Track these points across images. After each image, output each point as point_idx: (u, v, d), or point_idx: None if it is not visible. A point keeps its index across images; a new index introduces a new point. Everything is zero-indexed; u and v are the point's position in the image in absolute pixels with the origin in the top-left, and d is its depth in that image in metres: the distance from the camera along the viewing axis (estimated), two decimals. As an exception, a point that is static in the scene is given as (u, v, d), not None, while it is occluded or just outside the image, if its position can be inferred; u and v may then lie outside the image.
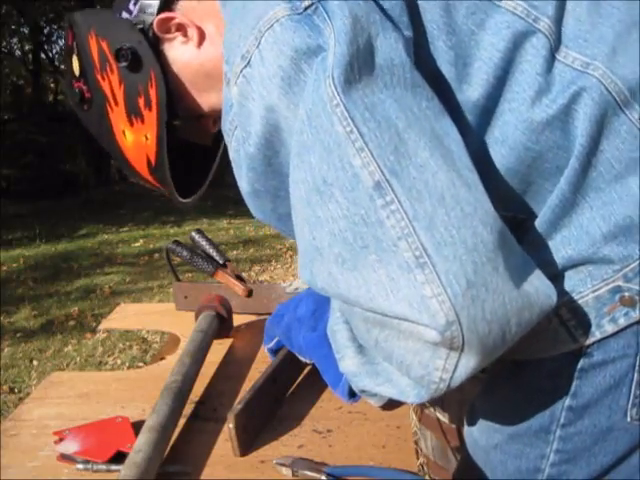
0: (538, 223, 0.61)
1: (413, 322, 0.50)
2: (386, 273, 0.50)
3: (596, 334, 0.60)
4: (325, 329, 0.76)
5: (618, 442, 0.63)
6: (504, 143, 0.59)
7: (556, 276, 0.61)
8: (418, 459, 1.74)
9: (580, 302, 0.61)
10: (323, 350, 0.78)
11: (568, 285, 0.61)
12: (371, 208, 0.50)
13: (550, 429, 0.65)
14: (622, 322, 0.60)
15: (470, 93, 0.59)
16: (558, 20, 0.60)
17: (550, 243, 0.61)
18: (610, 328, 0.60)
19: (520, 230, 0.60)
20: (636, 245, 0.58)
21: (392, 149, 0.50)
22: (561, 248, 0.60)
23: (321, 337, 0.80)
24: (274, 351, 0.94)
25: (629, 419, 0.62)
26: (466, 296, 0.49)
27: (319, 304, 0.84)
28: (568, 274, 0.61)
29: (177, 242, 1.20)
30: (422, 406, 1.72)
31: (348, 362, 0.64)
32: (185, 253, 1.17)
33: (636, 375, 0.60)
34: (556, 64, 0.60)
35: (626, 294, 0.59)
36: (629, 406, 0.61)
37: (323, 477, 0.71)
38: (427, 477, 1.73)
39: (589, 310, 0.60)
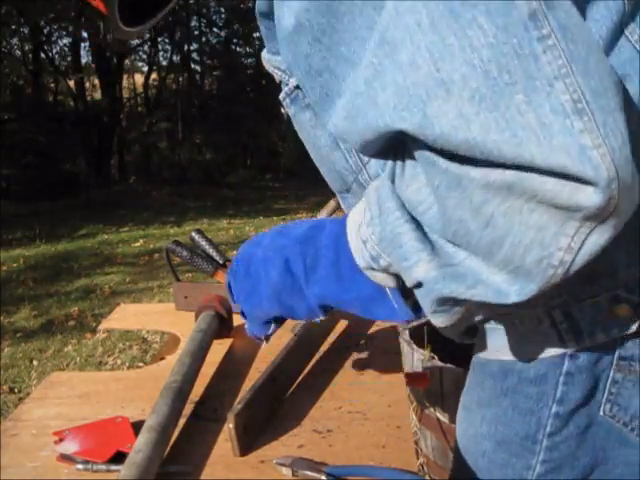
0: None
1: (570, 175, 0.43)
2: (536, 117, 0.43)
3: (586, 341, 0.59)
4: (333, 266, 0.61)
5: (595, 438, 0.62)
6: None
7: None
8: (418, 459, 1.74)
9: (576, 307, 0.58)
10: (351, 293, 0.61)
11: (566, 287, 0.57)
12: (525, 38, 0.43)
13: (537, 438, 0.63)
14: (615, 333, 0.58)
15: None
16: None
17: None
18: (602, 337, 0.58)
19: None
20: None
21: None
22: None
23: (341, 280, 0.61)
24: (268, 336, 0.72)
25: (602, 413, 0.61)
26: (622, 153, 0.43)
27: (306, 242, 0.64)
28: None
29: (177, 242, 1.20)
30: (422, 406, 1.72)
31: (425, 267, 0.52)
32: (185, 253, 1.17)
33: (612, 372, 0.59)
34: (621, 37, 0.54)
35: (624, 305, 0.57)
36: (603, 400, 0.60)
37: (323, 477, 0.71)
38: (427, 477, 1.73)
39: (584, 316, 0.58)
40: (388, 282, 0.58)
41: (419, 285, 0.54)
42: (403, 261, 0.53)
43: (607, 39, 0.54)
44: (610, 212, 0.44)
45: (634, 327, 0.57)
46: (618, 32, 0.55)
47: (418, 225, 0.53)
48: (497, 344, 0.65)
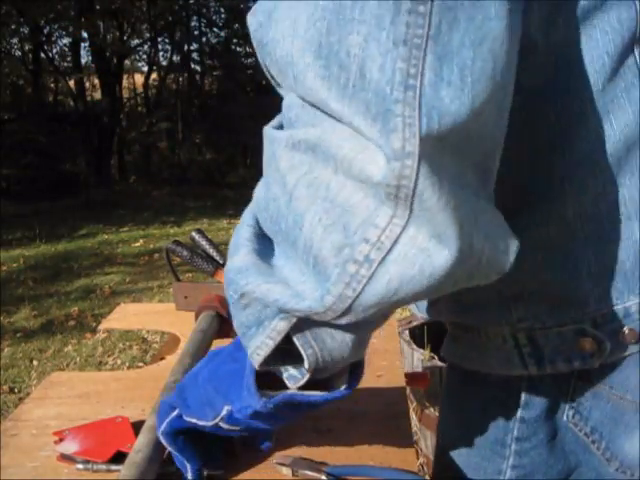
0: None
1: (358, 129, 0.38)
2: (360, 66, 0.37)
3: (547, 368, 0.57)
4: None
5: (564, 442, 0.61)
6: None
7: (522, 297, 0.56)
8: (418, 459, 1.74)
9: (540, 333, 0.57)
10: (227, 365, 0.62)
11: (534, 312, 0.56)
12: None
13: (505, 442, 0.63)
14: (577, 365, 0.56)
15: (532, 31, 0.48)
16: None
17: (528, 263, 0.54)
18: (563, 367, 0.57)
19: None
20: (617, 292, 0.54)
21: None
22: (541, 270, 0.55)
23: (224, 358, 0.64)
24: (169, 434, 0.69)
25: (565, 418, 0.60)
26: (439, 145, 0.37)
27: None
28: (537, 300, 0.56)
29: (177, 242, 1.20)
30: (422, 406, 1.72)
31: (240, 257, 0.48)
32: (185, 253, 1.17)
33: (573, 381, 0.59)
34: (630, 55, 0.50)
35: (589, 339, 0.55)
36: (567, 407, 0.60)
37: (323, 477, 0.71)
38: (427, 477, 1.73)
39: (547, 344, 0.57)
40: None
41: (231, 272, 0.49)
42: (230, 256, 0.50)
43: (614, 53, 0.49)
44: (407, 197, 0.37)
45: (596, 363, 0.56)
46: (629, 48, 0.50)
47: (258, 229, 0.50)
48: (463, 353, 0.65)
